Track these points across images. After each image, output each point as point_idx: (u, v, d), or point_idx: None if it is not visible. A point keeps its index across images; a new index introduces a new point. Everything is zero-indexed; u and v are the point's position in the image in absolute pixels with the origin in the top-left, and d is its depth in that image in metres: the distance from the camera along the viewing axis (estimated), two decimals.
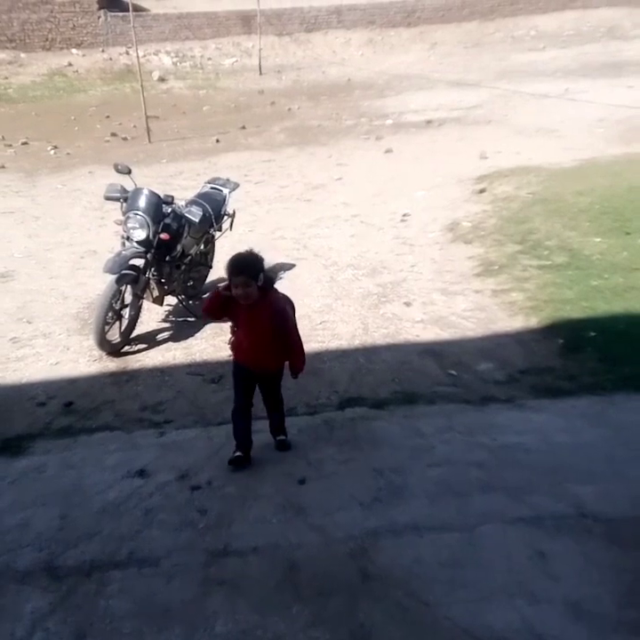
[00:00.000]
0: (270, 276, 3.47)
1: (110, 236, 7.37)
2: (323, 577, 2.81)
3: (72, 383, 4.99)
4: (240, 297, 3.37)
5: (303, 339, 5.77)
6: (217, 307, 3.60)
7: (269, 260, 7.16)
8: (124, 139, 13.65)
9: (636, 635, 2.44)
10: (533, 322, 5.52)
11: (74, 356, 5.40)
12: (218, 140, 13.14)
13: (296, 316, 3.72)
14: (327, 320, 5.85)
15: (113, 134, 13.86)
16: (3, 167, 11.60)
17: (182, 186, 9.17)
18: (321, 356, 5.25)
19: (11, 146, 13.14)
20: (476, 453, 3.72)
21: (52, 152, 12.64)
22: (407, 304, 6.11)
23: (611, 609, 2.56)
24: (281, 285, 6.55)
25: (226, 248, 7.07)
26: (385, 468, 3.62)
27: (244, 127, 14.08)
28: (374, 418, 4.25)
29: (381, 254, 7.27)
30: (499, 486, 3.38)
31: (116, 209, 5.84)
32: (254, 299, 3.39)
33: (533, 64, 18.72)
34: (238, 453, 3.71)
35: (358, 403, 4.51)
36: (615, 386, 4.38)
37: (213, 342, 5.63)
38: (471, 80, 17.23)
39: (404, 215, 8.38)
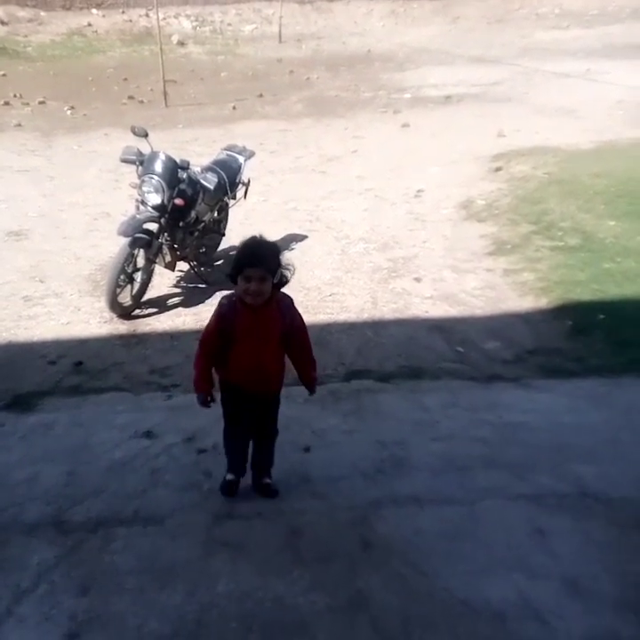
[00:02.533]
0: (286, 273, 2.82)
1: (124, 199, 7.36)
2: (324, 543, 2.86)
3: (82, 343, 5.03)
4: (252, 294, 2.71)
5: (312, 310, 5.82)
6: (217, 337, 2.87)
7: (282, 230, 7.27)
8: (141, 102, 13.55)
9: (632, 613, 2.48)
10: (543, 302, 5.51)
11: (85, 317, 5.44)
12: (234, 108, 13.04)
13: None
14: (337, 292, 5.85)
15: (130, 97, 13.76)
16: (19, 125, 11.56)
17: (197, 152, 9.10)
18: (329, 327, 5.26)
19: (28, 104, 13.07)
20: (480, 430, 3.75)
21: (69, 112, 12.58)
22: (417, 280, 6.10)
23: (608, 587, 2.59)
24: (292, 256, 6.68)
25: (239, 217, 7.10)
26: (388, 441, 3.65)
27: (261, 95, 13.95)
28: (380, 390, 4.28)
29: (394, 229, 7.24)
30: (501, 463, 3.41)
31: (131, 172, 5.83)
32: (266, 298, 2.76)
33: (556, 42, 18.40)
34: (231, 476, 3.20)
35: (364, 375, 4.54)
36: (622, 369, 4.38)
37: None
38: (492, 56, 16.97)
39: (418, 191, 8.33)
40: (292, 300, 2.96)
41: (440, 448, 3.58)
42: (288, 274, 2.82)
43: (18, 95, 13.53)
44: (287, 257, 2.82)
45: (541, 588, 2.60)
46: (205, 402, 2.94)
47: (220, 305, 2.86)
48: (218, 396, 3.02)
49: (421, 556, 2.79)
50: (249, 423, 3.09)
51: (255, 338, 2.84)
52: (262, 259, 2.71)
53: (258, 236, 2.83)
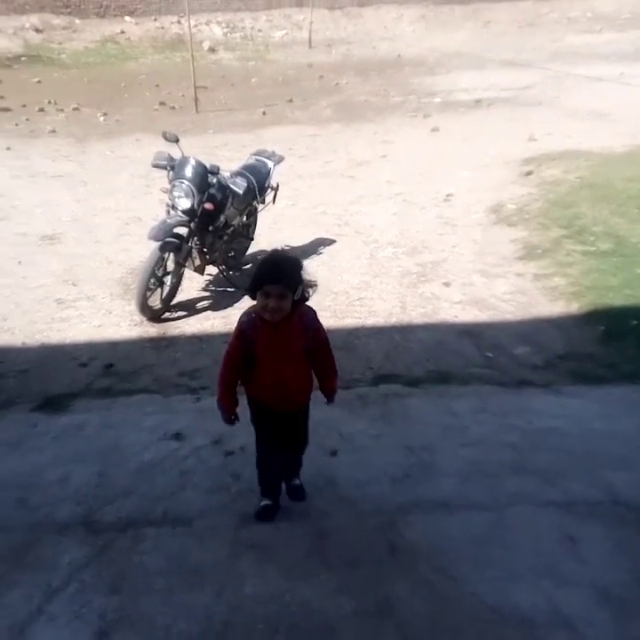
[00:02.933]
0: (308, 289, 2.70)
1: (155, 204, 7.46)
2: (351, 547, 2.85)
3: (113, 346, 5.10)
4: (271, 311, 2.59)
5: (340, 314, 5.82)
6: (240, 353, 2.77)
7: (310, 234, 7.29)
8: (172, 108, 13.71)
9: None
10: (574, 307, 5.44)
11: (116, 320, 5.51)
12: (264, 113, 13.12)
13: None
14: (365, 297, 5.85)
15: (161, 103, 13.93)
16: (54, 131, 11.77)
17: (227, 157, 9.18)
18: (357, 332, 5.26)
19: (62, 111, 13.31)
20: (510, 435, 3.71)
21: (102, 119, 12.78)
22: (446, 284, 6.07)
23: (638, 595, 2.55)
24: (320, 261, 6.73)
25: (268, 221, 7.14)
26: (416, 446, 3.64)
27: (291, 100, 14.02)
28: (408, 395, 4.26)
29: (423, 233, 7.21)
30: (531, 469, 3.37)
31: (161, 177, 5.90)
32: (285, 315, 2.64)
33: (588, 46, 18.17)
34: (266, 502, 3.13)
35: (392, 380, 4.52)
36: None
37: None
38: (523, 60, 16.83)
39: (448, 195, 8.29)
40: (315, 313, 2.83)
41: (469, 453, 3.56)
42: (310, 291, 2.71)
43: (52, 102, 13.78)
44: (310, 272, 2.71)
45: (571, 595, 2.56)
46: (229, 420, 2.89)
47: (240, 321, 2.77)
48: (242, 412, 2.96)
49: (449, 561, 2.77)
50: (279, 439, 3.00)
51: (276, 355, 2.75)
52: (282, 275, 2.59)
53: (280, 249, 2.82)
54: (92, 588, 2.63)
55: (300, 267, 2.66)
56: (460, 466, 3.45)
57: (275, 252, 2.75)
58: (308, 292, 2.71)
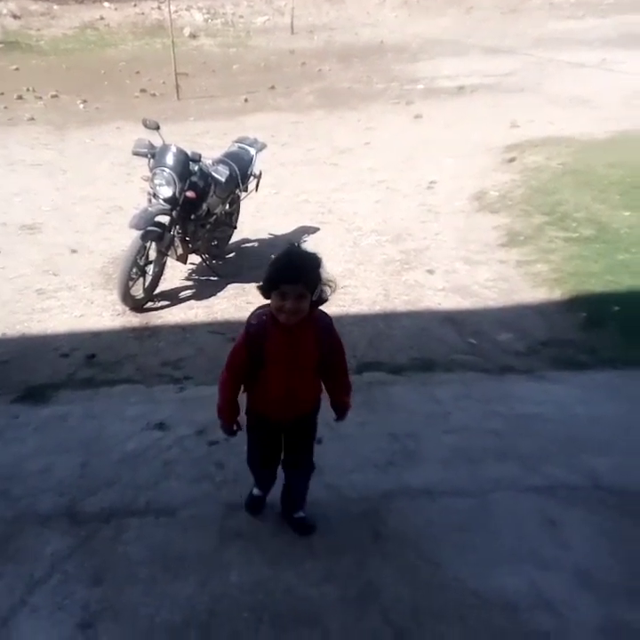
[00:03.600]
0: (327, 290, 2.47)
1: (136, 193, 7.38)
2: (335, 535, 2.86)
3: (95, 336, 5.06)
4: (288, 313, 2.36)
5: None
6: (245, 359, 2.55)
7: (293, 223, 7.26)
8: (153, 95, 13.56)
9: None
10: (557, 294, 5.47)
11: (98, 310, 5.47)
12: (246, 100, 13.02)
13: None
14: (348, 285, 5.83)
15: (142, 90, 13.78)
16: (32, 119, 11.60)
17: (209, 145, 9.10)
18: (341, 319, 5.23)
19: (41, 98, 13.12)
20: (493, 422, 3.73)
21: (82, 106, 12.61)
22: (430, 272, 6.08)
23: (620, 579, 2.59)
24: (305, 249, 6.68)
25: (251, 209, 7.10)
26: (400, 433, 3.65)
27: (273, 87, 13.92)
28: (392, 383, 4.26)
29: (406, 221, 7.21)
30: (513, 455, 3.39)
31: (142, 165, 5.84)
32: (302, 317, 2.41)
33: (571, 32, 18.19)
34: (257, 491, 3.00)
35: (376, 367, 4.52)
36: (637, 360, 4.34)
37: (235, 302, 5.65)
38: (506, 47, 16.82)
39: (431, 182, 8.28)
40: (331, 320, 2.59)
41: (452, 440, 3.57)
42: (328, 291, 2.46)
43: (31, 89, 13.58)
44: (329, 271, 2.46)
45: (553, 579, 2.59)
46: (230, 431, 2.68)
47: (249, 323, 2.52)
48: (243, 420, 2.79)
49: (433, 547, 2.79)
50: (276, 452, 2.80)
51: (287, 362, 2.51)
52: (302, 273, 2.34)
53: (296, 244, 2.49)
54: (74, 579, 2.62)
55: (319, 264, 2.41)
56: (444, 452, 3.46)
57: (291, 247, 2.47)
58: (327, 292, 2.47)
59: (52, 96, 13.20)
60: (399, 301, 5.57)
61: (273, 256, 2.46)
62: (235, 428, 2.68)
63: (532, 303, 5.43)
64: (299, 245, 2.49)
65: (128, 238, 5.43)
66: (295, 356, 2.50)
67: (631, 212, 6.66)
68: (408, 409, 3.92)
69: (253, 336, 2.50)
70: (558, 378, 4.25)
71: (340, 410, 2.76)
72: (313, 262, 2.40)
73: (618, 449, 3.41)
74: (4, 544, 2.80)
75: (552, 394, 4.04)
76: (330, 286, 2.46)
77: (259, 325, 2.50)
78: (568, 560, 2.68)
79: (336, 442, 3.57)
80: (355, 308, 5.45)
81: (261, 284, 2.44)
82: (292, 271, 2.35)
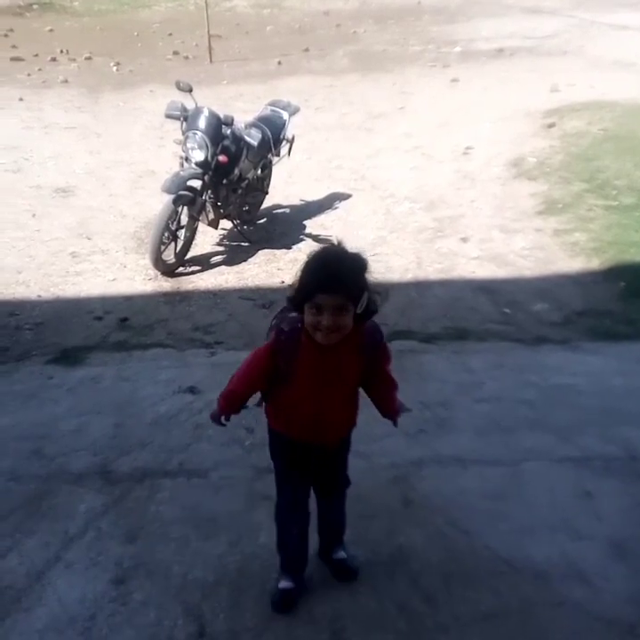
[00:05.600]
0: (375, 298, 2.01)
1: (169, 157, 7.35)
2: (365, 500, 2.85)
3: (128, 300, 5.10)
4: (325, 331, 1.94)
5: None
6: (268, 368, 2.14)
7: (326, 189, 7.18)
8: (186, 57, 13.45)
9: None
10: (595, 263, 5.36)
11: (130, 274, 5.50)
12: (280, 63, 12.84)
13: None
14: (380, 252, 5.78)
15: (175, 53, 13.66)
16: (66, 81, 11.59)
17: (242, 109, 8.99)
18: None
19: (74, 60, 13.09)
20: (526, 392, 3.68)
21: (115, 68, 12.56)
22: (464, 240, 5.99)
23: None
24: (336, 216, 6.63)
25: (283, 174, 7.03)
26: (432, 401, 3.61)
27: (307, 50, 13.69)
28: (423, 351, 4.22)
29: (441, 188, 7.09)
30: (548, 425, 3.34)
31: (175, 129, 5.82)
32: (344, 336, 1.98)
33: None
34: (286, 583, 2.37)
35: (408, 336, 4.48)
36: None
37: (266, 268, 5.65)
38: (547, 7, 16.30)
39: (467, 148, 8.12)
40: (382, 334, 2.14)
41: (484, 409, 3.53)
42: (378, 299, 2.01)
43: (64, 51, 13.56)
44: (372, 272, 1.98)
45: (586, 549, 2.56)
46: (217, 419, 2.25)
47: (279, 329, 2.09)
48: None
49: (463, 515, 2.77)
50: (307, 478, 2.36)
51: (320, 383, 2.09)
52: (341, 280, 1.90)
53: (334, 243, 2.02)
54: (108, 536, 2.66)
55: (364, 267, 1.96)
56: (476, 421, 3.43)
57: (328, 248, 2.02)
58: (375, 303, 2.00)
59: (86, 58, 13.17)
60: (432, 269, 5.51)
61: (306, 257, 1.99)
62: (223, 420, 2.24)
63: (568, 273, 5.32)
64: (338, 244, 2.01)
65: (160, 203, 5.43)
66: (329, 377, 2.09)
67: None
68: (440, 378, 3.88)
69: (282, 350, 2.09)
70: (594, 349, 4.17)
71: (392, 418, 2.37)
72: (356, 265, 1.95)
73: None
74: (39, 501, 2.85)
75: (588, 365, 3.97)
76: (379, 294, 2.01)
77: (290, 337, 2.06)
78: (601, 531, 2.64)
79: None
80: (387, 276, 5.39)
81: (291, 294, 2.00)
82: (329, 278, 1.90)
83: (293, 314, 2.06)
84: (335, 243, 2.02)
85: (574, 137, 8.02)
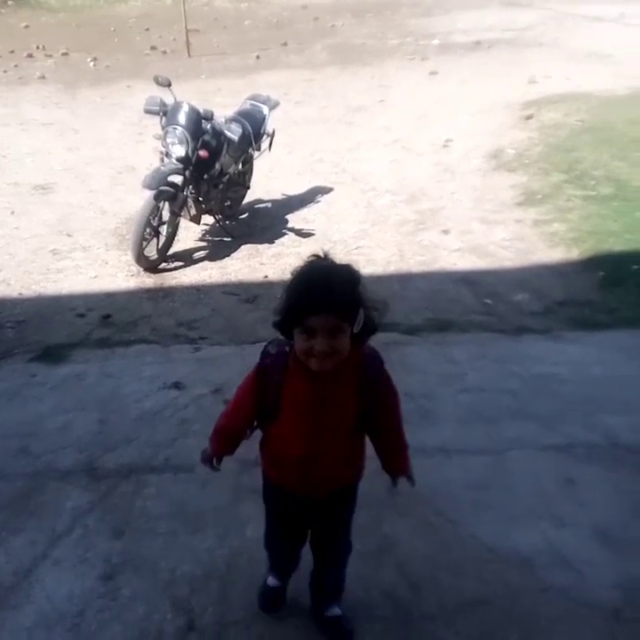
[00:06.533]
0: (373, 315, 1.76)
1: (148, 152, 7.30)
2: None
3: (110, 297, 5.07)
4: (320, 357, 1.71)
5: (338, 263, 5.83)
6: (253, 398, 1.93)
7: (307, 183, 7.18)
8: (164, 52, 13.36)
9: None
10: (574, 253, 5.41)
11: (112, 271, 5.47)
12: (258, 57, 12.80)
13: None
14: (363, 245, 5.80)
15: (152, 48, 13.58)
16: (43, 77, 11.48)
17: (221, 103, 8.93)
18: None
19: (51, 56, 12.97)
20: (509, 382, 3.71)
21: (92, 64, 12.46)
22: (445, 232, 6.02)
23: (638, 536, 2.59)
24: (318, 209, 6.64)
25: (264, 169, 7.02)
26: (415, 392, 3.63)
27: (285, 44, 13.66)
28: (407, 343, 4.24)
29: (421, 180, 7.12)
30: (530, 414, 3.39)
31: (154, 124, 5.78)
32: (341, 360, 1.74)
33: None
34: (273, 581, 2.29)
35: (391, 328, 4.49)
36: None
37: (249, 263, 5.64)
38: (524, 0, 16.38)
39: (447, 140, 8.15)
40: (382, 361, 1.90)
41: (468, 400, 3.56)
42: (376, 316, 1.77)
43: (41, 47, 13.43)
44: (371, 293, 1.76)
45: (570, 536, 2.60)
46: (209, 461, 2.06)
47: (264, 352, 1.90)
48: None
49: (448, 504, 2.80)
50: (302, 530, 2.15)
51: (311, 418, 1.85)
52: (333, 298, 1.66)
53: (320, 255, 1.78)
54: (95, 533, 2.66)
55: (356, 280, 1.72)
56: (460, 412, 3.46)
57: (313, 263, 1.76)
58: (373, 320, 1.76)
59: (63, 54, 13.05)
60: (414, 262, 5.53)
61: (290, 275, 1.75)
62: (215, 462, 2.05)
63: (548, 263, 5.37)
64: (325, 256, 1.78)
65: (141, 199, 5.40)
66: (323, 410, 1.84)
67: None
68: (423, 369, 3.91)
69: (269, 372, 1.87)
70: (575, 338, 4.22)
71: (395, 476, 2.09)
72: (347, 279, 1.71)
73: (635, 408, 3.39)
74: (26, 499, 2.84)
75: (569, 354, 4.02)
76: (377, 310, 1.77)
77: (278, 358, 1.85)
78: (585, 517, 2.69)
79: None
80: (369, 269, 5.40)
81: (277, 318, 1.76)
82: (319, 297, 1.66)
83: (278, 339, 1.86)
84: (321, 255, 1.79)
85: (552, 128, 8.09)
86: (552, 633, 2.23)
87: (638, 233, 5.44)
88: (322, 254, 1.79)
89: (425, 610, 2.32)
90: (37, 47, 13.37)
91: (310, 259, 1.77)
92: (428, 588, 2.40)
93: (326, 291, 1.66)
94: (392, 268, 5.42)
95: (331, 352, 1.70)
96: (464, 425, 3.35)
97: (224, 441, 2.04)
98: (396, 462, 2.06)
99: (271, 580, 2.31)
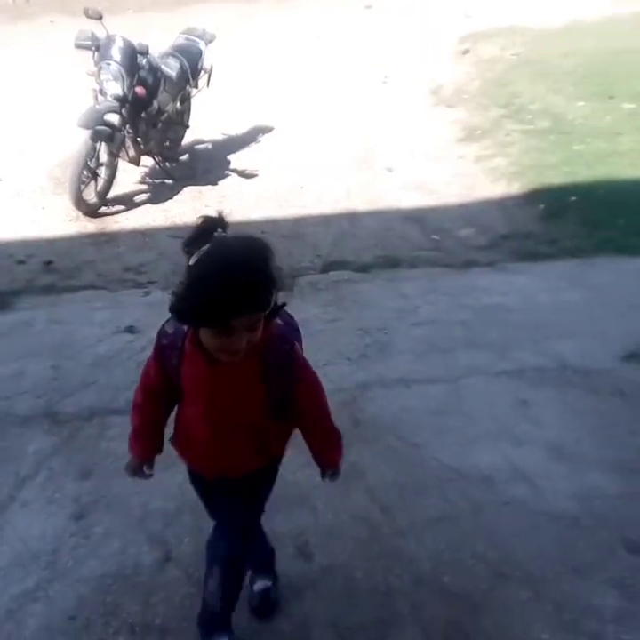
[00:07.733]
0: (279, 285, 1.51)
1: (81, 90, 6.95)
2: None
3: (50, 242, 4.91)
4: (234, 353, 1.54)
5: (284, 203, 5.75)
6: (159, 378, 1.74)
7: (248, 122, 6.99)
8: None
9: (614, 471, 2.64)
10: (515, 187, 5.51)
11: (50, 216, 5.28)
12: None
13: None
14: (309, 185, 5.75)
15: None
16: None
17: (153, 37, 8.57)
18: (304, 220, 5.21)
19: None
20: (460, 313, 3.82)
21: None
22: (389, 170, 6.02)
23: (590, 450, 2.75)
24: (259, 148, 6.52)
25: (202, 108, 6.79)
26: (371, 328, 3.71)
27: None
28: (359, 281, 4.30)
29: (362, 118, 7.07)
30: (482, 343, 3.50)
31: (85, 60, 5.48)
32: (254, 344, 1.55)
33: None
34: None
35: (342, 266, 4.54)
36: (595, 249, 4.47)
37: (193, 205, 5.53)
38: None
39: (385, 77, 8.08)
40: (292, 344, 1.71)
41: (422, 332, 3.65)
42: (284, 284, 1.53)
43: None
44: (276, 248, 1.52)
45: (527, 453, 2.74)
46: (137, 470, 1.89)
47: (161, 332, 1.72)
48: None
49: (410, 430, 2.90)
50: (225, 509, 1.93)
51: (213, 404, 1.69)
52: (258, 295, 1.45)
53: (216, 215, 1.52)
54: (62, 475, 2.66)
55: (269, 258, 1.47)
56: (415, 344, 3.55)
57: (218, 249, 1.45)
58: (282, 286, 1.52)
59: None
60: (360, 200, 5.54)
61: (190, 263, 1.46)
62: (145, 469, 1.89)
63: (491, 198, 5.46)
64: (222, 220, 1.51)
65: (76, 140, 5.17)
66: (225, 397, 1.66)
67: (585, 103, 6.69)
68: (377, 305, 3.97)
69: (167, 352, 1.69)
70: (521, 269, 4.35)
71: (326, 468, 1.94)
72: (265, 265, 1.45)
73: (581, 333, 3.55)
74: None
75: (515, 284, 4.14)
76: (281, 277, 1.52)
77: (175, 339, 1.67)
78: (540, 435, 2.83)
79: (307, 339, 3.55)
80: (317, 209, 5.40)
81: (179, 305, 1.48)
82: (241, 298, 1.41)
83: (173, 320, 1.66)
84: (216, 216, 1.51)
85: (489, 63, 8.12)
86: (516, 543, 2.36)
87: (575, 165, 5.57)
88: (217, 216, 1.52)
89: (395, 528, 2.42)
90: None
91: (216, 242, 1.46)
92: (396, 509, 2.50)
93: (248, 290, 1.41)
94: (340, 207, 5.42)
95: (242, 348, 1.52)
96: (420, 356, 3.44)
97: (147, 439, 1.86)
98: (323, 454, 1.92)
99: None
